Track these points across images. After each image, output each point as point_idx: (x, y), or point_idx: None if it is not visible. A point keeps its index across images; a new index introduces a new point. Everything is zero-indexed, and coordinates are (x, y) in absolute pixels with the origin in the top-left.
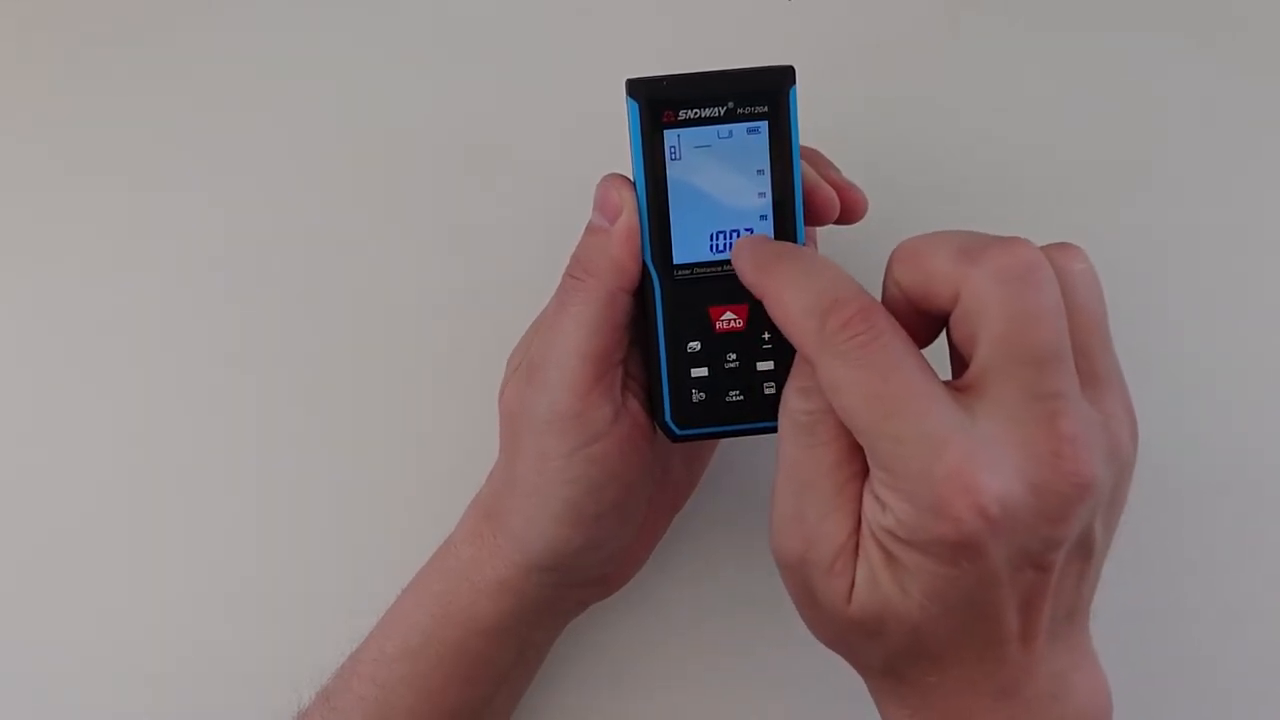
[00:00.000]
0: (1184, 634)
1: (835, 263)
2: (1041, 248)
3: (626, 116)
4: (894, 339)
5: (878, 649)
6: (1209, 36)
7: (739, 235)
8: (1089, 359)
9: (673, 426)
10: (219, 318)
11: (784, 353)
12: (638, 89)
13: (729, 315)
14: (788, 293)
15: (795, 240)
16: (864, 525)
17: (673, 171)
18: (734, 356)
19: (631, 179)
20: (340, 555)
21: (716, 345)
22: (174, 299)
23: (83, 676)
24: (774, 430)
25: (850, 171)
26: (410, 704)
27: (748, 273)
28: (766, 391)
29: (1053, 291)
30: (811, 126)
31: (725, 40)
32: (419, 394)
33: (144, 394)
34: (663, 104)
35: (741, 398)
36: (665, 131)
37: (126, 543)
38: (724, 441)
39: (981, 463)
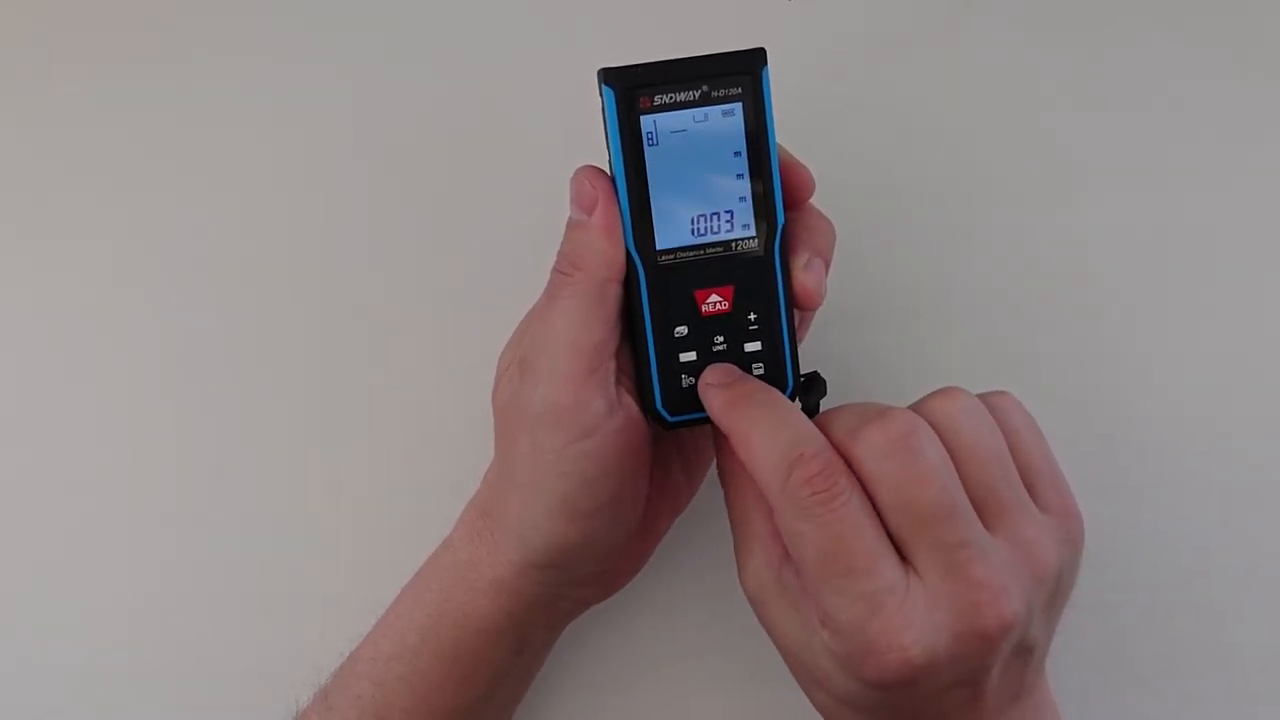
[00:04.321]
0: (1174, 631)
1: (800, 412)
2: (921, 399)
3: (601, 105)
4: (851, 498)
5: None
6: (1208, 37)
7: (720, 218)
8: (990, 492)
9: (664, 413)
10: (213, 319)
11: (771, 332)
12: (613, 77)
13: (715, 298)
14: (756, 439)
15: (776, 220)
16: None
17: (651, 157)
18: (721, 339)
19: (606, 168)
20: (338, 555)
21: (703, 328)
22: (170, 301)
23: (80, 676)
24: None
25: (849, 170)
26: (407, 703)
27: (717, 410)
28: (755, 372)
29: (931, 452)
30: (810, 125)
31: (725, 40)
32: (415, 394)
33: (141, 394)
34: (637, 90)
35: None
36: (642, 118)
37: (125, 543)
38: None
39: (910, 621)
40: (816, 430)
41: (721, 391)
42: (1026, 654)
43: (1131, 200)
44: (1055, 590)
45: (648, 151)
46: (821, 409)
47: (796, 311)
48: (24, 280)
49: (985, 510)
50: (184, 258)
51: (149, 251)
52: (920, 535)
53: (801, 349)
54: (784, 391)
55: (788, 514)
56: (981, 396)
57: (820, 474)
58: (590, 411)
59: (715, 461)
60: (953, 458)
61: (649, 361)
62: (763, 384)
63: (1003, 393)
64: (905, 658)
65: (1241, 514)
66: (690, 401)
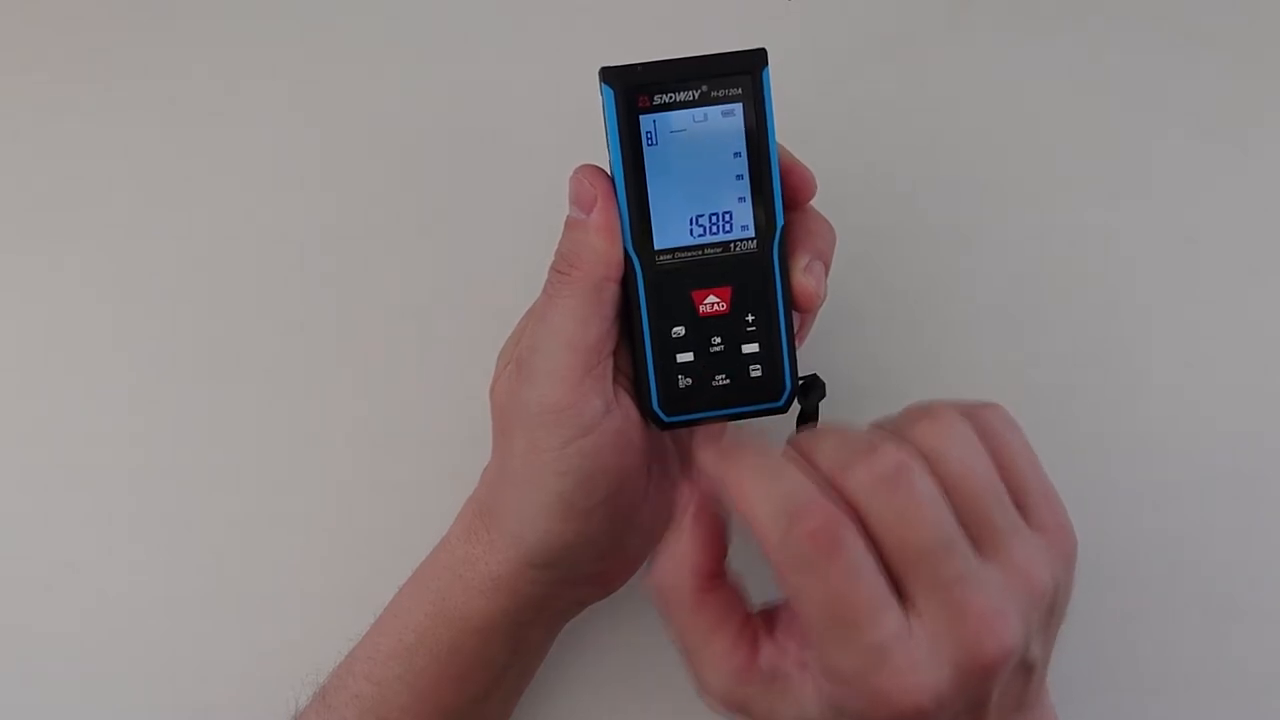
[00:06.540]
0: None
1: (794, 469)
2: (907, 420)
3: (601, 104)
4: (853, 550)
5: None
6: (1210, 37)
7: (719, 218)
8: (982, 519)
9: (660, 413)
10: (214, 318)
11: (769, 334)
12: (612, 76)
13: (712, 299)
14: (752, 491)
15: (775, 222)
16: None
17: (650, 157)
18: (719, 340)
19: (607, 167)
20: (337, 554)
21: (701, 329)
22: (170, 299)
23: (80, 676)
24: (761, 413)
25: (848, 170)
26: (405, 702)
27: (710, 461)
28: (753, 374)
29: (922, 486)
30: (811, 126)
31: (725, 40)
32: (414, 392)
33: (141, 393)
34: (637, 89)
35: (728, 381)
36: (641, 117)
37: (125, 542)
38: None
39: (916, 664)
40: (810, 484)
41: (716, 443)
42: (1027, 672)
43: (1135, 201)
44: (1052, 607)
45: (646, 151)
46: (821, 411)
47: (796, 314)
48: (20, 285)
49: (978, 537)
50: (184, 259)
51: (149, 255)
52: (916, 571)
53: (802, 351)
54: (782, 394)
55: (787, 567)
56: (970, 410)
57: (821, 528)
58: (587, 410)
59: (651, 577)
60: (943, 485)
61: (646, 362)
62: (754, 438)
63: (992, 406)
64: (915, 702)
65: (1244, 517)
66: (687, 402)
